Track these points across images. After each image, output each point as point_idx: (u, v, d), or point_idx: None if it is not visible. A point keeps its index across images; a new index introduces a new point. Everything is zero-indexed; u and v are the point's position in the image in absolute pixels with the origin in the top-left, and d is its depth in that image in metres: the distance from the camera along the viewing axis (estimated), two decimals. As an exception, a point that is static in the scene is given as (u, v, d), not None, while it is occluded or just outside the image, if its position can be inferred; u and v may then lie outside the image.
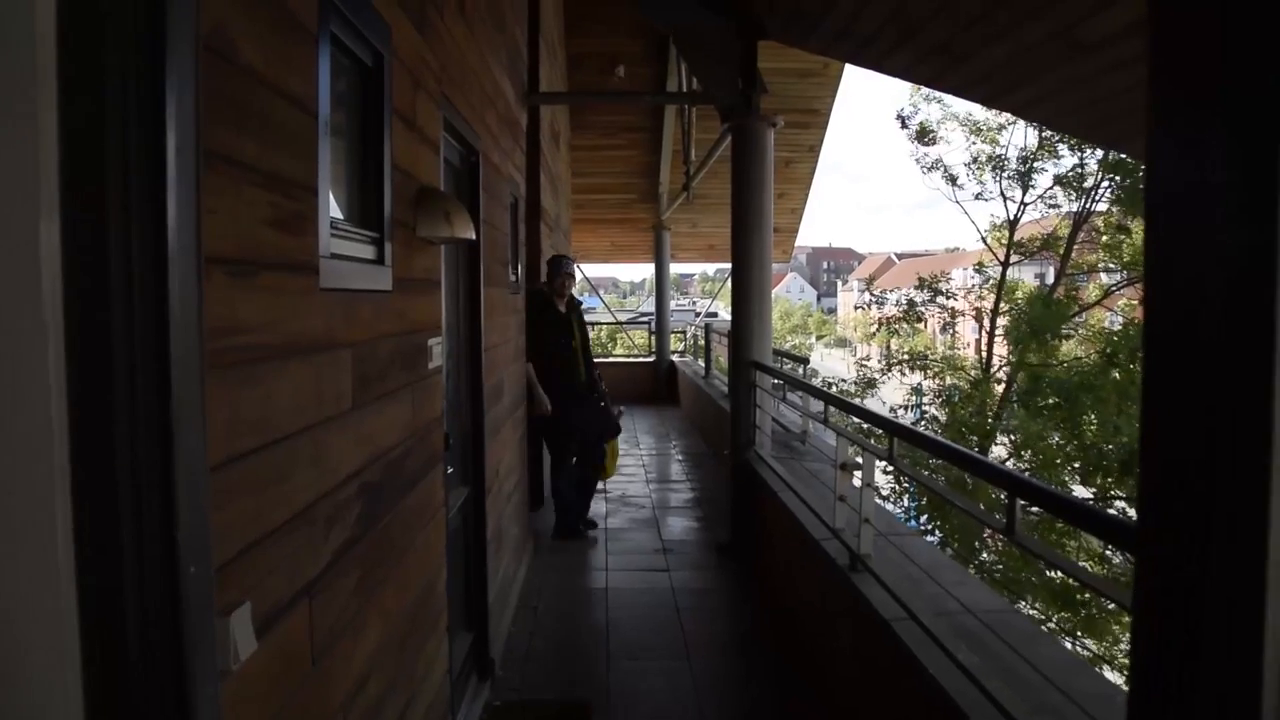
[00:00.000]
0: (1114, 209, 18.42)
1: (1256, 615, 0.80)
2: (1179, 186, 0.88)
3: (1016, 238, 20.04)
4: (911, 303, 20.52)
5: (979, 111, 19.85)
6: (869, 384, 20.51)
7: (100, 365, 0.89)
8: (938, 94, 20.77)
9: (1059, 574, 14.04)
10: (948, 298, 20.19)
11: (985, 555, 16.00)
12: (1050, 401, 16.32)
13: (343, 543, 2.11)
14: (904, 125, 21.06)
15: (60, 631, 0.92)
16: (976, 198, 20.92)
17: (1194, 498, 0.90)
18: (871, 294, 22.15)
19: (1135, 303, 18.73)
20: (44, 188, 0.84)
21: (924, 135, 20.68)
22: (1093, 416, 15.79)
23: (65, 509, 0.90)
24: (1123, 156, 16.36)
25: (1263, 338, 0.76)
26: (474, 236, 3.45)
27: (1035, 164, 19.39)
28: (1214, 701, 0.84)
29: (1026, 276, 25.07)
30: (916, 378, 20.64)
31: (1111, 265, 19.13)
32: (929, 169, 20.84)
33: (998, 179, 19.86)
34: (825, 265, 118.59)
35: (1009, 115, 17.76)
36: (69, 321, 0.86)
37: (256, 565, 1.60)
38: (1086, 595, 13.98)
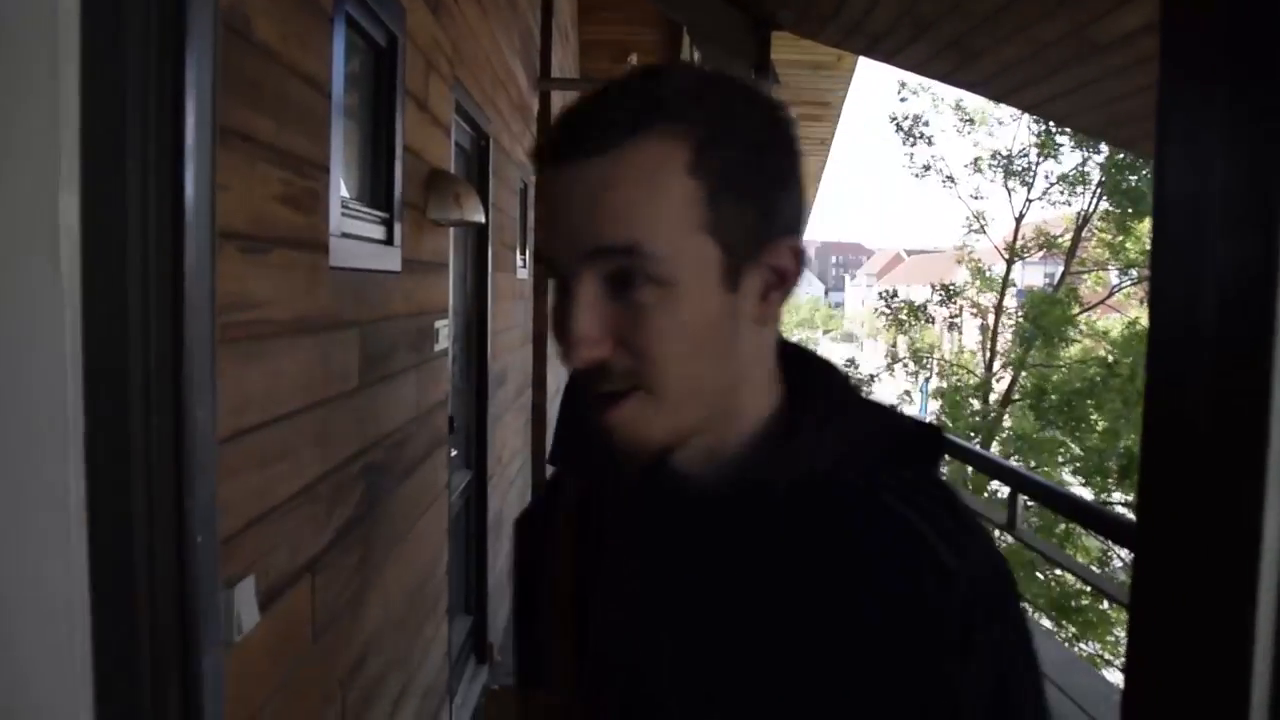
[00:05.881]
0: (1111, 207, 18.20)
1: (1248, 611, 0.82)
2: (1184, 189, 0.89)
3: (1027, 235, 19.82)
4: (924, 305, 20.30)
5: (970, 100, 19.44)
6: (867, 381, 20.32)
7: (116, 334, 0.90)
8: (925, 86, 20.39)
9: (1056, 583, 14.10)
10: (951, 300, 19.92)
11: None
12: (1053, 401, 16.27)
13: (345, 521, 2.12)
14: (899, 128, 20.53)
15: (71, 595, 0.94)
16: (975, 198, 20.51)
17: (1191, 495, 0.91)
18: (884, 297, 21.62)
19: (1139, 301, 18.58)
20: (64, 158, 0.85)
21: (914, 132, 20.11)
22: (1096, 419, 15.75)
23: (78, 475, 0.91)
24: (1120, 155, 16.24)
25: (1260, 342, 0.77)
26: (484, 220, 3.46)
27: (1039, 160, 19.08)
28: (1201, 694, 0.86)
29: (1037, 276, 24.90)
30: (920, 376, 20.55)
31: (1111, 265, 18.92)
32: (921, 172, 20.37)
33: (997, 177, 19.52)
34: (834, 259, 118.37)
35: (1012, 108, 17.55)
36: (86, 290, 0.88)
37: (260, 540, 1.62)
38: (1083, 601, 14.00)
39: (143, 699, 1.06)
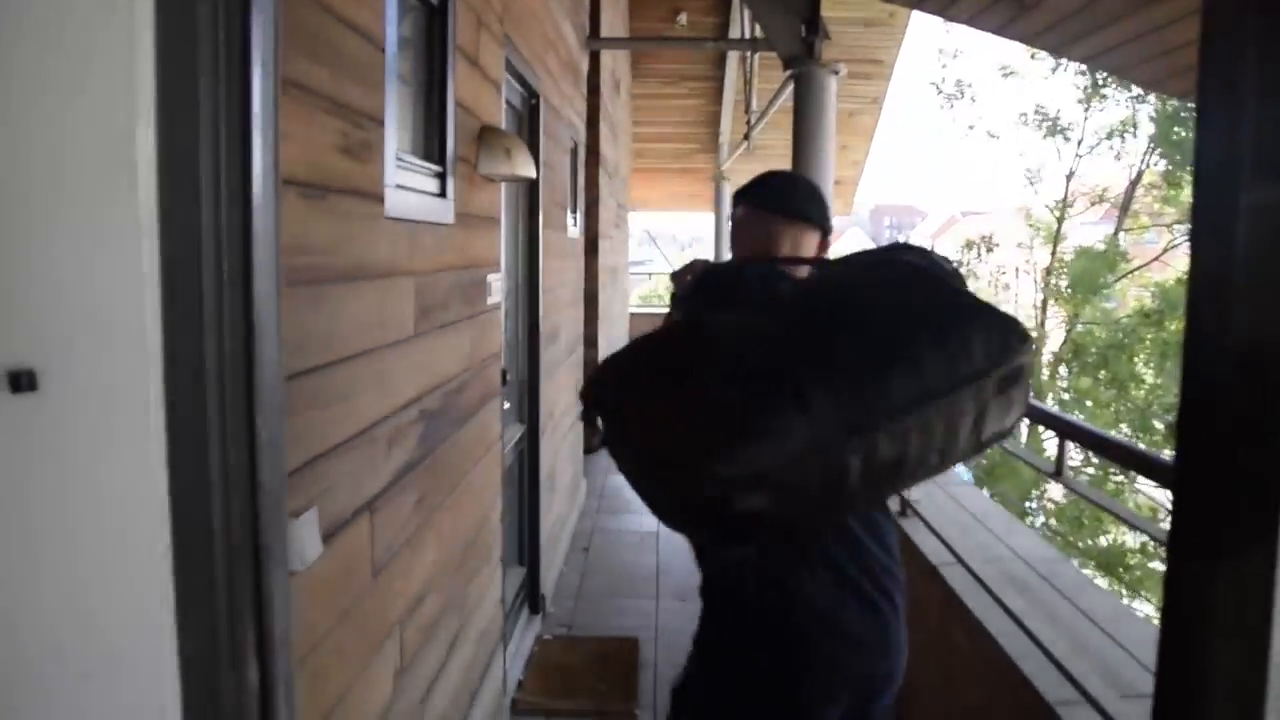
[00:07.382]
0: (1163, 160, 17.83)
1: (1270, 548, 0.84)
2: (1220, 142, 0.91)
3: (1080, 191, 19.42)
4: (962, 262, 20.04)
5: (1010, 60, 19.21)
6: None
7: (190, 267, 0.96)
8: (964, 50, 20.20)
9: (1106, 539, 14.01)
10: (987, 253, 19.64)
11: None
12: (1092, 357, 16.15)
13: (403, 464, 2.20)
14: (939, 91, 20.38)
15: (155, 520, 1.01)
16: (1021, 155, 20.30)
17: (1225, 434, 0.93)
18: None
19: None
20: (141, 97, 0.91)
21: (955, 94, 19.95)
22: (1143, 374, 15.61)
23: (159, 401, 0.98)
24: (1170, 103, 15.88)
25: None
26: (534, 175, 3.50)
27: (1086, 113, 18.72)
28: (1230, 630, 0.89)
29: (1096, 235, 24.45)
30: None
31: (1165, 219, 18.55)
32: (966, 131, 20.22)
33: (1043, 132, 19.20)
34: (887, 221, 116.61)
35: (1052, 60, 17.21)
36: (164, 224, 0.94)
37: (322, 476, 1.69)
38: (1133, 560, 13.88)
39: (219, 616, 1.13)
